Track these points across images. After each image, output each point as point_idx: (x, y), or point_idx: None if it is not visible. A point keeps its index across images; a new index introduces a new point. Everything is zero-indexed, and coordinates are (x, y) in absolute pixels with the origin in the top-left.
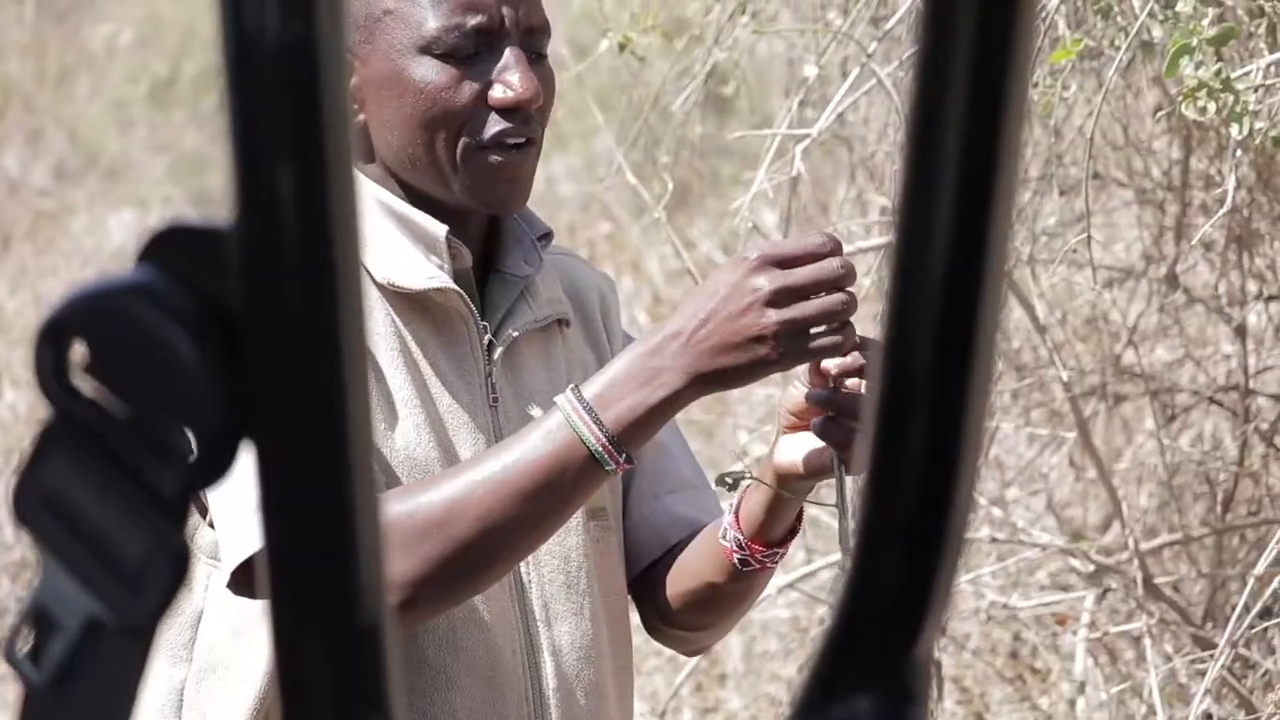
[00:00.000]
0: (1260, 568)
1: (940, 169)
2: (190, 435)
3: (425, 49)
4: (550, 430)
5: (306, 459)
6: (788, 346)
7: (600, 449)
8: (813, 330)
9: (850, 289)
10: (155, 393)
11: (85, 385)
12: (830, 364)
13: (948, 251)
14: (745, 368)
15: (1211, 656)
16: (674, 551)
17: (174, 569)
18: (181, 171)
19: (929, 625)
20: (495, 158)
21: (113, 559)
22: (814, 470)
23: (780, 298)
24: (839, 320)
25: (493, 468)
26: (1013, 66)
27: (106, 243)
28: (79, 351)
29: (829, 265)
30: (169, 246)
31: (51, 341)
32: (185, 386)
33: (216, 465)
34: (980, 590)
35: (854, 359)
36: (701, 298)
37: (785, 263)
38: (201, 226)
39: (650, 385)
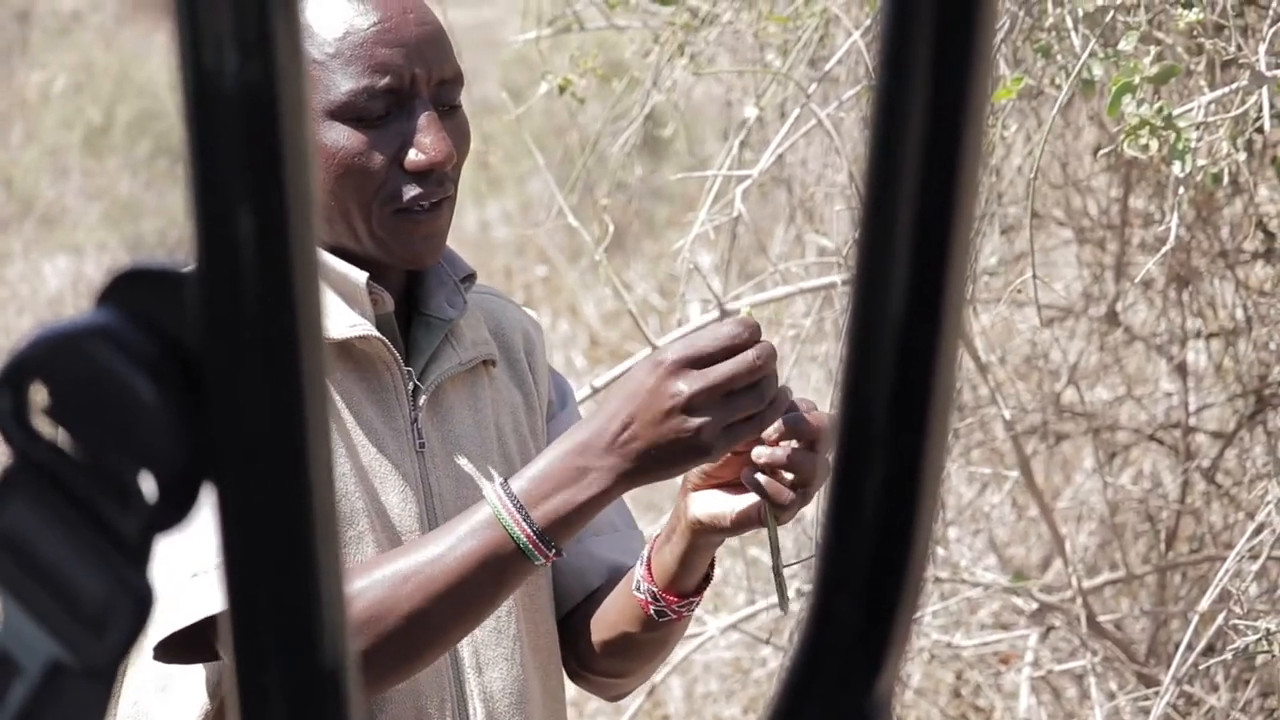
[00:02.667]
0: (1203, 605)
1: (896, 215)
2: (151, 477)
3: (335, 114)
4: (477, 525)
5: (267, 501)
6: (711, 444)
7: (528, 543)
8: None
9: (770, 371)
10: (115, 435)
11: (46, 428)
12: (761, 453)
13: (905, 295)
14: (669, 464)
15: (1156, 694)
16: (596, 596)
17: (136, 611)
18: (116, 217)
19: (889, 662)
20: (411, 219)
21: (74, 601)
22: (742, 523)
23: (700, 400)
24: (762, 407)
25: (420, 560)
26: (968, 109)
27: (43, 289)
28: (39, 394)
29: (745, 358)
30: (129, 288)
31: (11, 384)
32: (145, 429)
33: (177, 507)
34: (923, 630)
35: (782, 450)
36: (622, 399)
37: (701, 361)
38: (162, 268)
39: (577, 484)
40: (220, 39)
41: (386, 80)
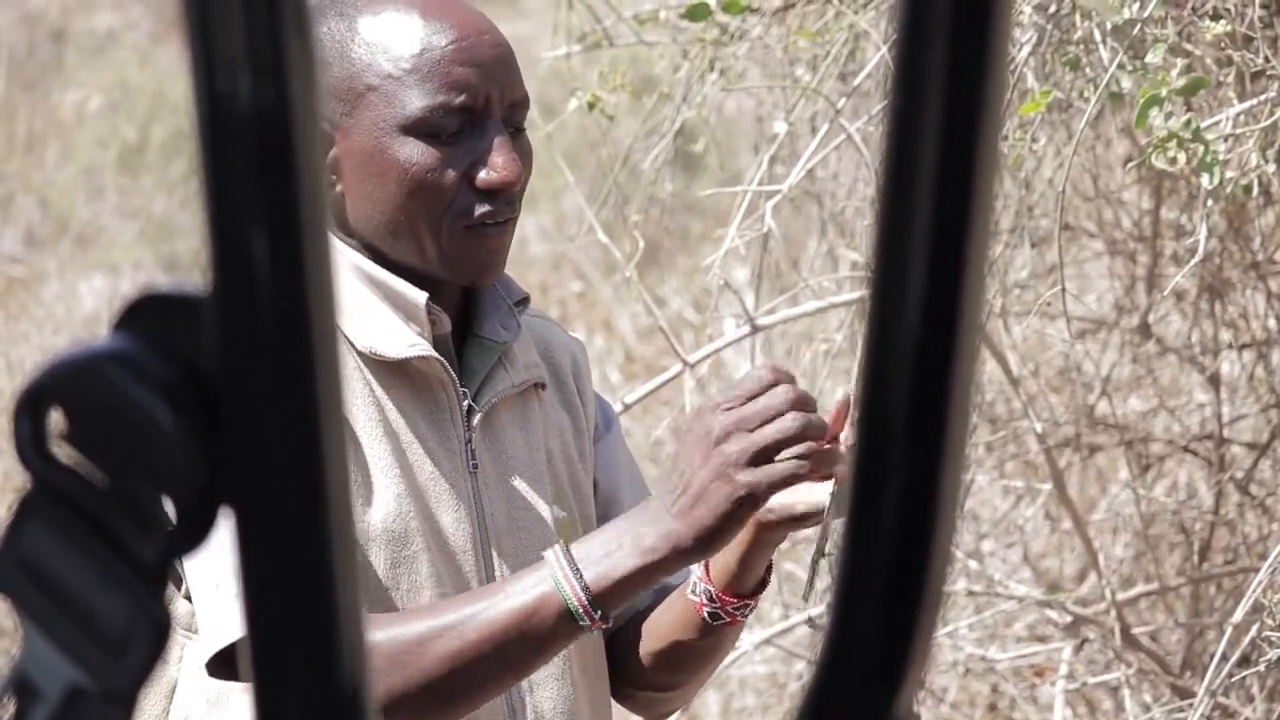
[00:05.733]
0: (1237, 616)
1: (913, 228)
2: (169, 502)
3: (409, 129)
4: (532, 582)
5: (285, 525)
6: (752, 477)
7: (578, 607)
8: (777, 457)
9: (808, 412)
10: (134, 460)
11: (64, 453)
12: (847, 436)
13: (921, 309)
14: (721, 517)
15: (1190, 705)
16: (642, 615)
17: (155, 636)
18: (152, 236)
19: (909, 679)
20: (478, 236)
21: (94, 626)
22: (813, 511)
23: (730, 433)
24: (795, 442)
25: (472, 609)
26: (982, 125)
27: (78, 309)
28: (57, 419)
29: (774, 393)
30: (146, 313)
31: (30, 410)
32: (163, 453)
33: (196, 532)
34: (958, 643)
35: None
36: (677, 461)
37: (734, 403)
38: (178, 293)
39: (634, 550)
40: (234, 62)
41: (462, 98)
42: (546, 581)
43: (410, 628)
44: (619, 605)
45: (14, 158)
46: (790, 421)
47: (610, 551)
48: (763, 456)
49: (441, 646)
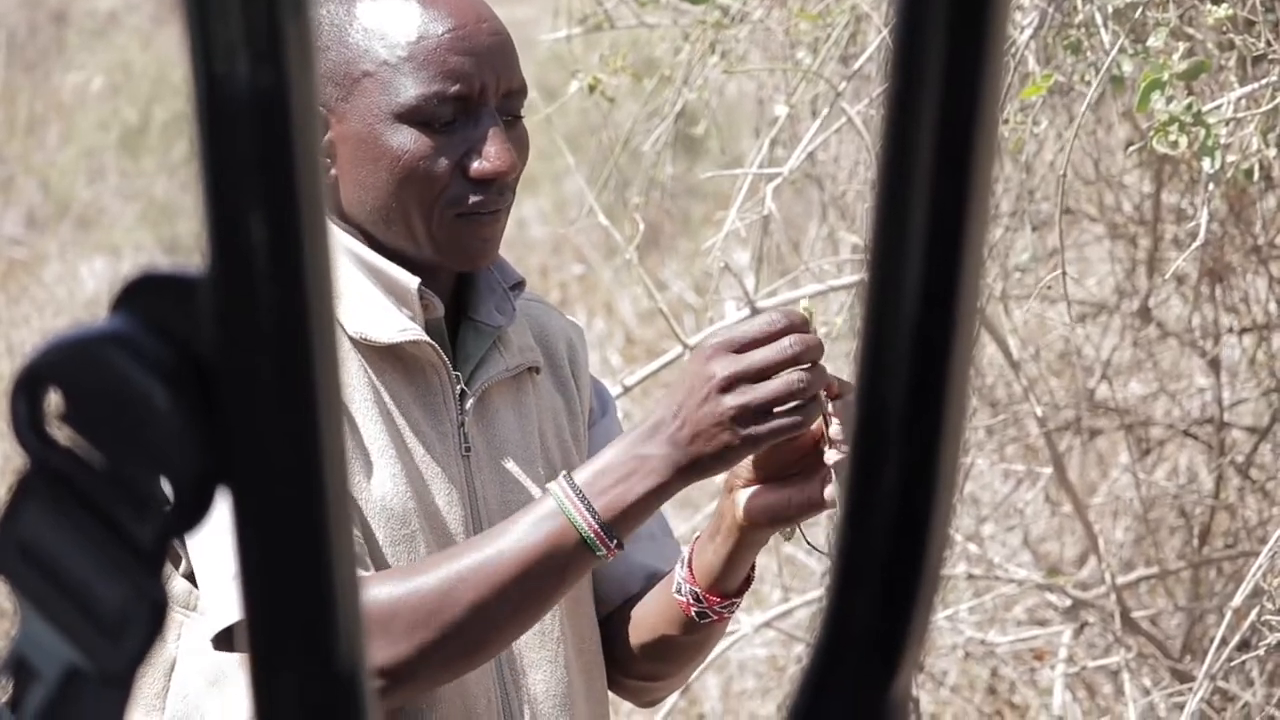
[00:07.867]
0: (1237, 600)
1: (911, 210)
2: (166, 483)
3: (403, 117)
4: (542, 516)
5: (282, 506)
6: (747, 430)
7: (591, 534)
8: (775, 410)
9: (811, 364)
10: (131, 441)
11: (61, 434)
12: (836, 434)
13: (919, 292)
14: (717, 455)
15: (1190, 689)
16: (633, 601)
17: (152, 617)
18: (153, 218)
19: (906, 662)
20: (470, 224)
21: (91, 608)
22: (804, 508)
23: (732, 384)
24: (798, 398)
25: (485, 553)
26: (981, 108)
27: (79, 291)
28: (54, 400)
29: (781, 345)
30: (143, 295)
31: (27, 391)
32: (161, 435)
33: (192, 513)
34: (957, 626)
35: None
36: (675, 390)
37: (742, 348)
38: (175, 274)
39: (637, 474)
40: (232, 45)
41: (457, 87)
42: (557, 516)
43: (427, 581)
44: (632, 530)
45: (15, 140)
46: (794, 378)
47: (617, 480)
48: (763, 411)
49: (465, 596)
